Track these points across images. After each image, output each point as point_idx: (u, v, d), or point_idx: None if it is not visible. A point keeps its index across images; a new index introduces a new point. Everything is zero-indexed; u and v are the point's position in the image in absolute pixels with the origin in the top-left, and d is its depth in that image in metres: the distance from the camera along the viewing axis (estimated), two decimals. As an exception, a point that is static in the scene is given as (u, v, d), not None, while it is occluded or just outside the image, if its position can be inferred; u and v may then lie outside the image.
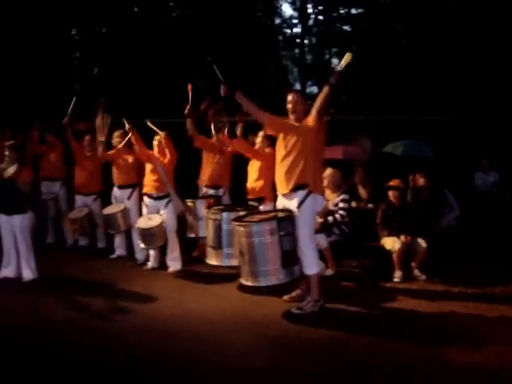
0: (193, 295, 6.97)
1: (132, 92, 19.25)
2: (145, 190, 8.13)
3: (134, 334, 5.64)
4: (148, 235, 7.84)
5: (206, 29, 21.61)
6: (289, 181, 6.06)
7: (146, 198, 8.11)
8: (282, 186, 6.17)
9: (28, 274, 7.70)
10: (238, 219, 6.38)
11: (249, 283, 6.13)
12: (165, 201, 7.93)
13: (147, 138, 8.20)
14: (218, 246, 7.06)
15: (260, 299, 6.60)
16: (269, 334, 5.61)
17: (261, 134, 7.91)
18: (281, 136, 6.21)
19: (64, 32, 21.62)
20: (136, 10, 23.84)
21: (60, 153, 9.96)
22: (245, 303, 6.55)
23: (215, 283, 7.45)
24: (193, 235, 8.29)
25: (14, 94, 17.04)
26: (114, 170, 8.78)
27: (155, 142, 8.05)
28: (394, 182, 8.06)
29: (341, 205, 7.94)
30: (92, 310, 6.45)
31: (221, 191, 8.63)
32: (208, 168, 8.73)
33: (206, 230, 7.31)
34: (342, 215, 7.87)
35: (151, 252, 8.24)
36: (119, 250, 8.91)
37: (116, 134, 8.70)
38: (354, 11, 28.07)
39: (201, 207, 8.12)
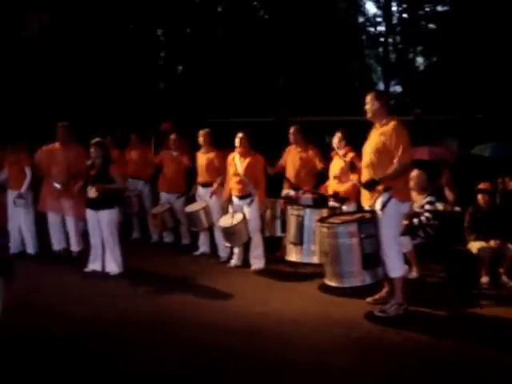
0: (275, 294, 6.99)
1: (215, 91, 19.50)
2: (231, 190, 8.22)
3: (216, 331, 5.71)
4: (230, 233, 7.92)
5: (290, 28, 21.64)
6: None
7: (233, 197, 8.19)
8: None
9: (114, 268, 7.94)
10: (322, 220, 6.38)
11: (333, 284, 6.14)
12: (248, 199, 7.96)
13: (231, 136, 8.30)
14: (299, 242, 7.15)
15: (342, 300, 6.56)
16: (351, 335, 5.57)
17: (338, 134, 7.90)
18: (369, 140, 6.16)
19: (150, 33, 22.18)
20: (220, 9, 24.18)
21: (144, 153, 10.21)
22: (327, 304, 6.52)
23: (298, 282, 7.45)
24: (268, 235, 8.32)
25: (102, 94, 17.56)
26: (198, 169, 8.91)
27: (237, 140, 8.08)
28: (483, 185, 7.84)
29: (426, 207, 7.77)
30: (174, 306, 6.57)
31: (301, 192, 8.62)
32: (291, 170, 8.76)
33: (288, 227, 7.37)
34: (427, 218, 7.70)
35: (235, 250, 8.32)
36: (203, 247, 9.05)
37: (201, 132, 8.84)
38: (439, 9, 27.45)
39: (279, 207, 8.21)
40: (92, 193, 7.80)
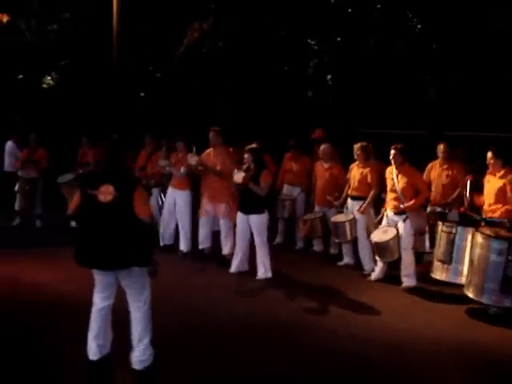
0: (419, 312, 6.93)
1: (365, 100, 19.37)
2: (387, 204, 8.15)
3: (357, 344, 5.79)
4: (381, 248, 7.88)
5: (444, 38, 21.08)
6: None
7: (388, 210, 8.10)
8: None
9: (262, 271, 8.19)
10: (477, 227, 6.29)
11: (470, 294, 6.03)
12: (403, 216, 7.81)
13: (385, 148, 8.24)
14: (448, 260, 7.07)
15: (491, 327, 6.37)
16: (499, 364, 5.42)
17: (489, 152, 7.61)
18: None
19: (301, 41, 22.47)
20: (372, 19, 23.99)
21: (302, 162, 10.36)
22: (472, 328, 6.37)
23: (443, 303, 7.29)
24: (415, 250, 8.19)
25: (253, 101, 18.02)
26: (350, 181, 8.88)
27: (391, 155, 7.92)
28: None
29: None
30: (316, 315, 6.73)
31: (447, 209, 8.43)
32: (439, 186, 8.58)
33: (437, 243, 7.29)
34: None
35: (379, 263, 8.28)
36: (347, 258, 9.09)
37: (357, 146, 8.75)
38: None
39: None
40: (239, 178, 8.04)
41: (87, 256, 4.76)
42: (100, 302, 4.92)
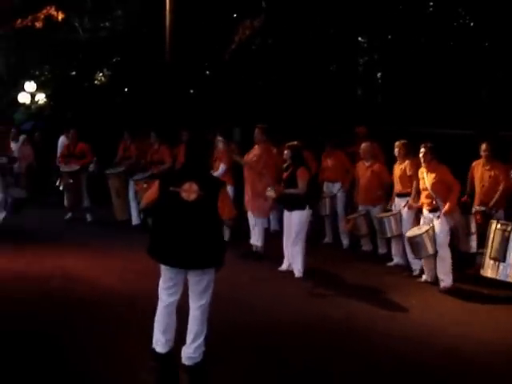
0: (469, 315, 6.80)
1: (415, 99, 19.13)
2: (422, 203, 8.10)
3: (411, 346, 5.73)
4: (413, 243, 7.86)
5: (497, 37, 20.64)
6: None
7: (423, 209, 8.06)
8: None
9: (296, 270, 8.18)
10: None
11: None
12: (438, 213, 7.73)
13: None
14: (501, 258, 7.08)
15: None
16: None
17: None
18: None
19: (352, 39, 22.31)
20: (424, 15, 23.65)
21: (340, 158, 10.37)
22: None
23: (494, 305, 7.16)
24: (462, 250, 8.16)
25: (301, 98, 17.96)
26: (394, 179, 8.83)
27: (421, 154, 7.87)
28: None
29: None
30: (364, 316, 6.66)
31: (493, 210, 8.28)
32: (481, 186, 8.46)
33: (489, 241, 7.30)
34: None
35: (425, 265, 8.15)
36: (396, 258, 8.98)
37: (397, 144, 8.74)
38: None
39: (473, 222, 8.08)
40: (271, 193, 8.22)
41: (163, 252, 4.80)
42: (167, 298, 4.93)
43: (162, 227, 4.86)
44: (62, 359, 5.16)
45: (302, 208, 8.13)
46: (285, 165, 8.45)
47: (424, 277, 8.18)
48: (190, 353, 4.88)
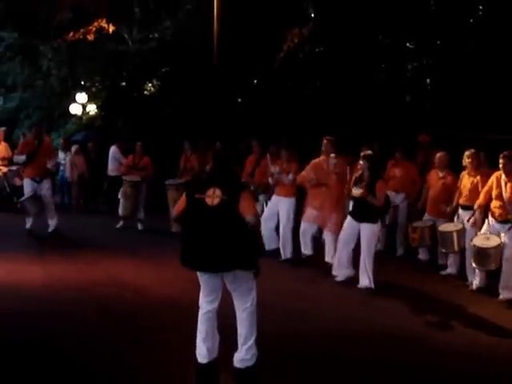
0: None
1: (465, 104, 18.77)
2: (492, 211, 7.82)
3: (466, 358, 5.63)
4: (482, 255, 7.60)
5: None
6: None
7: (490, 217, 7.82)
8: None
9: (365, 281, 8.01)
10: None
11: None
12: (508, 225, 7.50)
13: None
14: None
15: None
16: None
17: None
18: None
19: (400, 44, 22.07)
20: (471, 21, 23.26)
21: (407, 168, 10.25)
22: None
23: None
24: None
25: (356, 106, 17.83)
26: (461, 190, 8.57)
27: (500, 162, 7.61)
28: None
29: None
30: (421, 326, 6.57)
31: None
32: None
33: None
34: None
35: (478, 272, 7.97)
36: (451, 268, 8.82)
37: (467, 154, 8.45)
38: None
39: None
40: (357, 192, 7.92)
41: (193, 258, 4.86)
42: (205, 305, 5.00)
43: (190, 234, 4.91)
44: (113, 365, 5.22)
45: (374, 221, 7.96)
46: (357, 174, 8.21)
47: (475, 283, 8.01)
48: (241, 355, 4.91)
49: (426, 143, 10.42)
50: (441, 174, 9.17)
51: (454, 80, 20.42)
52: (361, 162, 8.11)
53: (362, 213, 7.97)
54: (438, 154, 9.27)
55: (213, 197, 4.74)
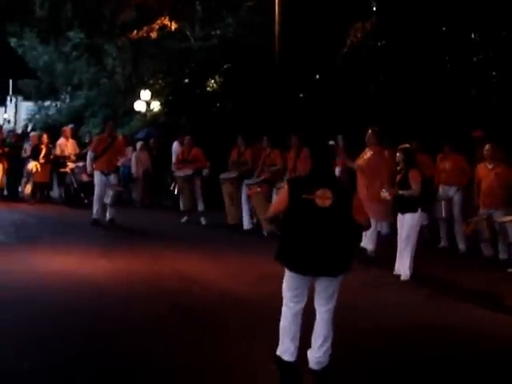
0: None
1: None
2: None
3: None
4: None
5: None
6: None
7: None
8: None
9: (403, 272, 8.02)
10: None
11: None
12: None
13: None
14: None
15: None
16: None
17: None
18: None
19: (464, 35, 21.57)
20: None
21: (457, 161, 10.15)
22: None
23: None
24: None
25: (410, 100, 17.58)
26: None
27: None
28: None
29: None
30: (490, 322, 6.45)
31: None
32: None
33: None
34: None
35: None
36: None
37: None
38: None
39: None
40: (385, 195, 8.14)
41: (298, 260, 4.78)
42: (294, 305, 4.88)
43: (295, 234, 4.83)
44: (175, 358, 5.21)
45: (415, 210, 8.00)
46: (398, 167, 8.40)
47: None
48: (319, 357, 4.83)
49: (481, 138, 10.23)
50: (490, 166, 9.12)
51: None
52: (398, 154, 8.24)
53: (402, 204, 8.09)
54: (486, 147, 9.19)
55: (324, 198, 4.71)
